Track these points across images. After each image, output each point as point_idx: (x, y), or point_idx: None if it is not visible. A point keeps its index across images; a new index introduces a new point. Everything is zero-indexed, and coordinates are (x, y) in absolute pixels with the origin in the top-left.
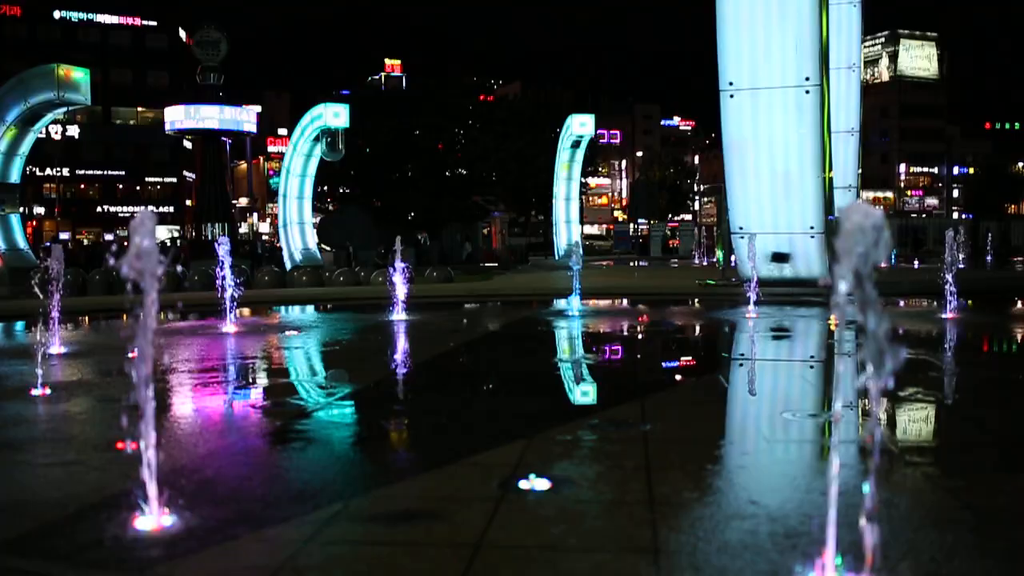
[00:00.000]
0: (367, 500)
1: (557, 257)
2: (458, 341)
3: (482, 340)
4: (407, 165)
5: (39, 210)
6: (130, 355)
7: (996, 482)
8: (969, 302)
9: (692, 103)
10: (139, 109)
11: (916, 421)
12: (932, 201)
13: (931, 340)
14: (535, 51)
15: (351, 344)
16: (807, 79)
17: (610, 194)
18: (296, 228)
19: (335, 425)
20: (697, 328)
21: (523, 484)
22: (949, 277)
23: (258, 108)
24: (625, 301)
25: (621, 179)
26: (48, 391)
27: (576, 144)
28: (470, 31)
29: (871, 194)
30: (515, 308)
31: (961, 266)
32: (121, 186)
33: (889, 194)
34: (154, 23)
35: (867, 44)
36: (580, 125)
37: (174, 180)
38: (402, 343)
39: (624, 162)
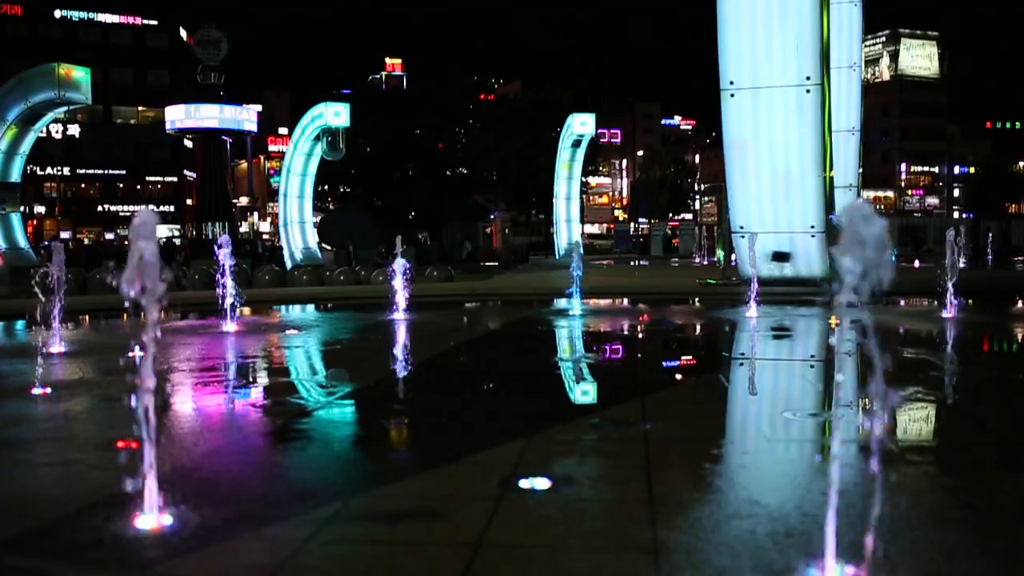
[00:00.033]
0: (367, 499)
1: (558, 256)
2: (458, 340)
3: (482, 339)
4: (408, 164)
5: (40, 209)
6: (130, 354)
7: (996, 481)
8: (970, 302)
9: (692, 103)
10: (140, 108)
11: (916, 420)
12: (933, 200)
13: (931, 339)
14: (535, 51)
15: (351, 343)
16: (808, 78)
17: (611, 193)
18: (297, 227)
19: (335, 424)
20: (697, 327)
21: (523, 483)
22: (949, 276)
23: (258, 107)
24: (625, 300)
25: (622, 178)
26: (48, 390)
27: (577, 143)
28: (470, 31)
29: (872, 193)
30: (515, 307)
31: (962, 265)
32: (122, 185)
33: (890, 193)
34: (155, 22)
35: (868, 43)
36: (581, 124)
37: (175, 179)
38: (402, 342)
39: (625, 161)
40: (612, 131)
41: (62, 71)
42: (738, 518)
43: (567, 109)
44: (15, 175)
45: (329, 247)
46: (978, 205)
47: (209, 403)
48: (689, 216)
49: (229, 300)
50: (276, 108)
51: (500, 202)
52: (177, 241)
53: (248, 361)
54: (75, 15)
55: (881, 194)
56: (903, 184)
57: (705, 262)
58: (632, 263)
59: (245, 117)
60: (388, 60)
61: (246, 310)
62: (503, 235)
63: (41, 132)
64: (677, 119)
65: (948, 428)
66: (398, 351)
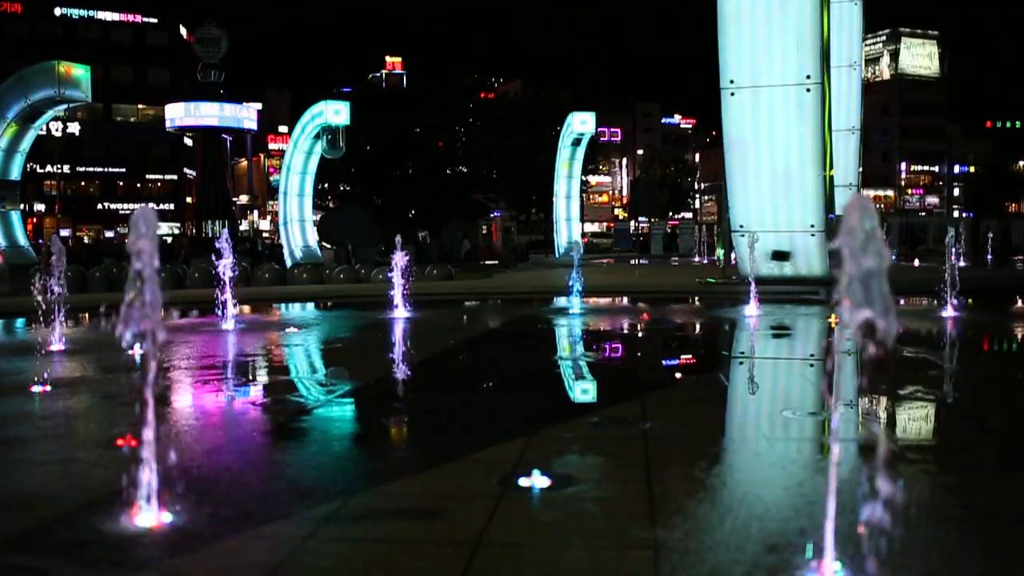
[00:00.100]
0: (367, 498)
1: (558, 255)
2: (458, 339)
3: (482, 338)
4: (408, 163)
5: (39, 207)
6: (130, 352)
7: (996, 481)
8: (970, 301)
9: (692, 102)
10: (140, 106)
11: (916, 420)
12: (933, 200)
13: (931, 339)
14: (535, 51)
15: (351, 341)
16: (808, 77)
17: (611, 192)
18: (297, 225)
19: (335, 423)
20: (697, 326)
21: (523, 482)
22: (948, 276)
23: (258, 105)
24: (625, 299)
25: (622, 177)
26: (48, 388)
27: (577, 142)
28: (470, 31)
29: (872, 192)
30: (515, 306)
31: (962, 265)
32: (122, 183)
33: (890, 192)
34: (155, 20)
35: (868, 42)
36: (581, 123)
37: (175, 177)
38: (402, 341)
39: (625, 160)
40: (612, 130)
41: (62, 69)
42: (738, 517)
43: (567, 108)
44: (15, 173)
45: (329, 245)
46: (978, 204)
47: (209, 401)
48: (689, 215)
49: (229, 299)
50: (276, 107)
51: (500, 201)
52: (169, 240)
53: (248, 359)
54: (75, 13)
55: (881, 193)
56: (903, 183)
57: (705, 261)
58: (632, 262)
59: (245, 115)
60: (388, 58)
61: (246, 308)
62: (504, 233)
63: (41, 130)
64: (677, 118)
65: (948, 427)
66: (398, 350)
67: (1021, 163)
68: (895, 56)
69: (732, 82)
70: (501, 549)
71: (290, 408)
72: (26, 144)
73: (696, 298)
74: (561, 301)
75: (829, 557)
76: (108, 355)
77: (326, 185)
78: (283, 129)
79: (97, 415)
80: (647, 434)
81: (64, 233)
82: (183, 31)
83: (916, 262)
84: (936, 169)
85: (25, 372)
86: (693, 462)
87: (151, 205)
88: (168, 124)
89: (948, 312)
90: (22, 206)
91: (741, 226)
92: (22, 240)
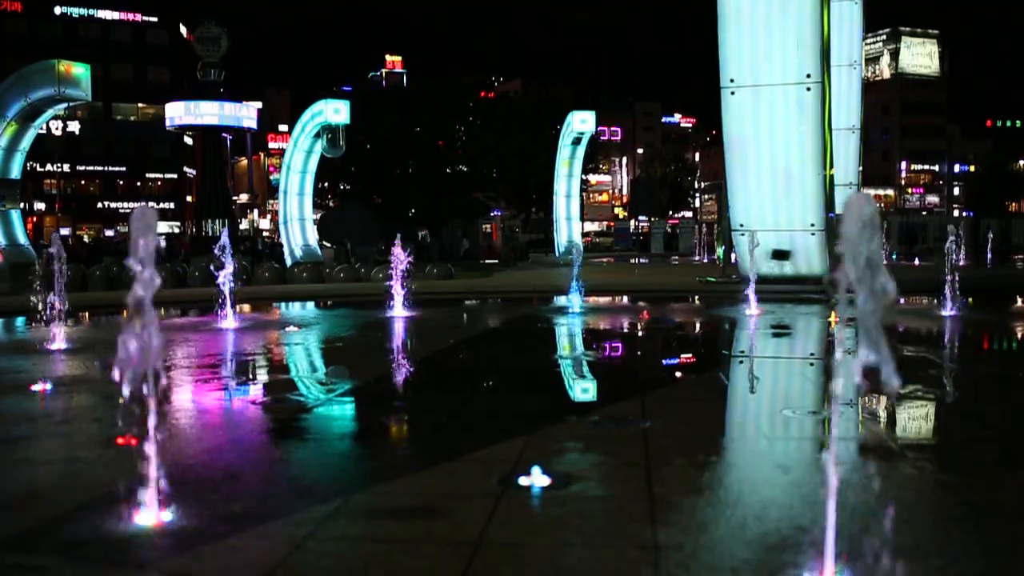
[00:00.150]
0: (367, 497)
1: (558, 254)
2: (458, 338)
3: (482, 336)
4: (408, 161)
5: (39, 206)
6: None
7: (997, 478)
8: (969, 300)
9: (692, 101)
10: (140, 105)
11: (916, 418)
12: (933, 199)
13: (931, 337)
14: (535, 51)
15: (351, 340)
16: (808, 76)
17: (611, 191)
18: (297, 224)
19: (335, 421)
20: (697, 325)
21: (523, 481)
22: (948, 275)
23: (258, 104)
24: (625, 298)
25: (622, 176)
26: (48, 387)
27: (577, 141)
28: (470, 31)
29: (872, 191)
30: (515, 305)
31: (962, 263)
32: (122, 182)
33: (890, 191)
34: (155, 19)
35: (868, 41)
36: (581, 122)
37: (175, 176)
38: (402, 339)
39: (625, 159)
40: (612, 129)
41: (62, 68)
42: (738, 516)
43: (567, 107)
44: (15, 172)
45: (329, 244)
46: (978, 203)
47: (209, 400)
48: (689, 214)
49: (229, 297)
50: (276, 106)
51: (500, 200)
52: (163, 242)
53: (248, 358)
54: (75, 12)
55: (881, 192)
56: (903, 182)
57: (705, 260)
58: (632, 261)
59: (245, 114)
60: (388, 57)
61: (246, 307)
62: (505, 232)
63: (41, 129)
64: (677, 117)
65: (948, 425)
66: (398, 348)
67: (1021, 162)
68: (895, 55)
69: (732, 81)
70: (501, 548)
71: (290, 407)
72: (26, 143)
73: (696, 297)
74: (561, 300)
75: (829, 556)
76: (108, 354)
77: (326, 184)
78: (283, 128)
79: (97, 414)
80: (647, 433)
81: (64, 232)
82: (183, 30)
83: (916, 261)
84: (936, 168)
85: (25, 371)
86: (693, 461)
87: (151, 204)
88: (168, 123)
89: (948, 311)
90: (22, 205)
91: (741, 225)
92: (22, 239)
